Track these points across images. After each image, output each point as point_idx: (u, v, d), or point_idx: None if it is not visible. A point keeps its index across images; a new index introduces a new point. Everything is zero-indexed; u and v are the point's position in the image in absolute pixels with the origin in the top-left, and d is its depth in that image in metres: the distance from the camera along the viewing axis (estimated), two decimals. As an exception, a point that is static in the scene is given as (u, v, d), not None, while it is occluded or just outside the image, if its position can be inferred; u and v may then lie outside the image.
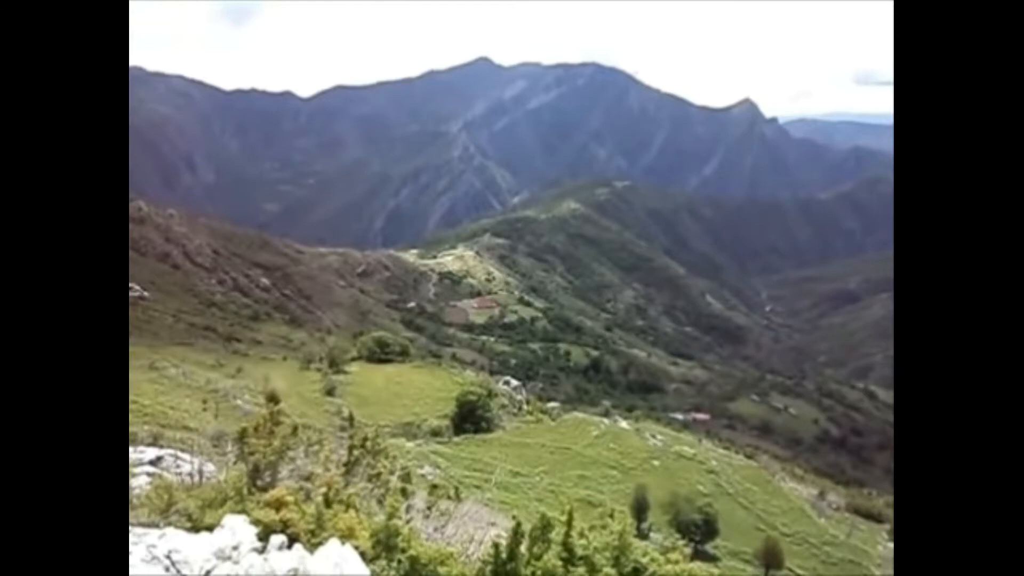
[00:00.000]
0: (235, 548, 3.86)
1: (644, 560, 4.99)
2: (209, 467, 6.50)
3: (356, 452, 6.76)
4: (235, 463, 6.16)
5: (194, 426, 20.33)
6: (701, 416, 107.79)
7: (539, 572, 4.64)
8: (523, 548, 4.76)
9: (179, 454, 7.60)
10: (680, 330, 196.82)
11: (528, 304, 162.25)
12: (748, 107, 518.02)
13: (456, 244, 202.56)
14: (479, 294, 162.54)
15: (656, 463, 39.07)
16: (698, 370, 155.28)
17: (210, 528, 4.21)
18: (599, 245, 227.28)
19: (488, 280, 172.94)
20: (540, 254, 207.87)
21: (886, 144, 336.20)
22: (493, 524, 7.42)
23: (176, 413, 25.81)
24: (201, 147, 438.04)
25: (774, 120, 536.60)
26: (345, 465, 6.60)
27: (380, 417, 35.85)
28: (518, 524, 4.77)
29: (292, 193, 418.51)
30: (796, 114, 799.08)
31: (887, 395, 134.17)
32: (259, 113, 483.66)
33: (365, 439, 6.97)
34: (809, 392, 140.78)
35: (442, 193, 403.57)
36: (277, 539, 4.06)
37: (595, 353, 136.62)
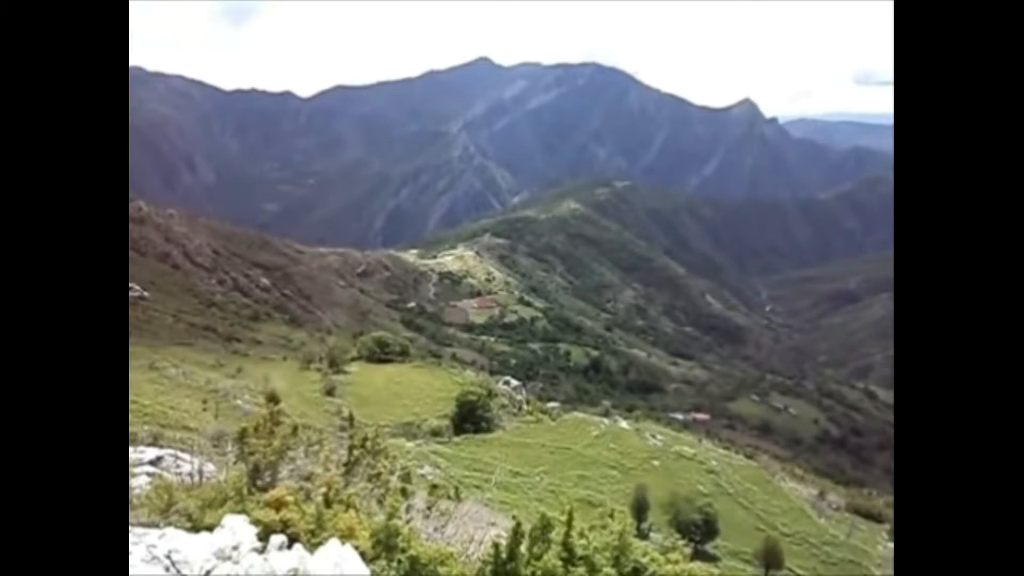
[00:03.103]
0: (235, 548, 3.86)
1: (644, 560, 4.99)
2: (209, 467, 6.50)
3: (356, 452, 6.76)
4: (235, 463, 6.16)
5: (194, 426, 20.28)
6: (701, 416, 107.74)
7: (539, 572, 4.64)
8: (523, 548, 4.75)
9: (179, 454, 7.59)
10: (680, 330, 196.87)
11: (528, 304, 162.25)
12: (748, 107, 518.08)
13: (456, 244, 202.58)
14: (479, 294, 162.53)
15: (656, 463, 39.07)
16: (698, 370, 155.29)
17: (210, 528, 4.21)
18: (599, 245, 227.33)
19: (488, 280, 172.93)
20: (540, 254, 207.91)
21: (886, 144, 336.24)
22: (493, 524, 7.41)
23: (176, 413, 25.78)
24: (201, 147, 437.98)
25: (774, 120, 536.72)
26: (345, 465, 6.60)
27: (380, 417, 35.82)
28: (518, 524, 4.77)
29: (292, 193, 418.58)
30: (796, 114, 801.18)
31: (887, 395, 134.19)
32: (259, 113, 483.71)
33: (365, 439, 6.97)
34: (809, 392, 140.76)
35: (442, 193, 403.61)
36: (277, 539, 4.06)
37: (595, 353, 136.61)
